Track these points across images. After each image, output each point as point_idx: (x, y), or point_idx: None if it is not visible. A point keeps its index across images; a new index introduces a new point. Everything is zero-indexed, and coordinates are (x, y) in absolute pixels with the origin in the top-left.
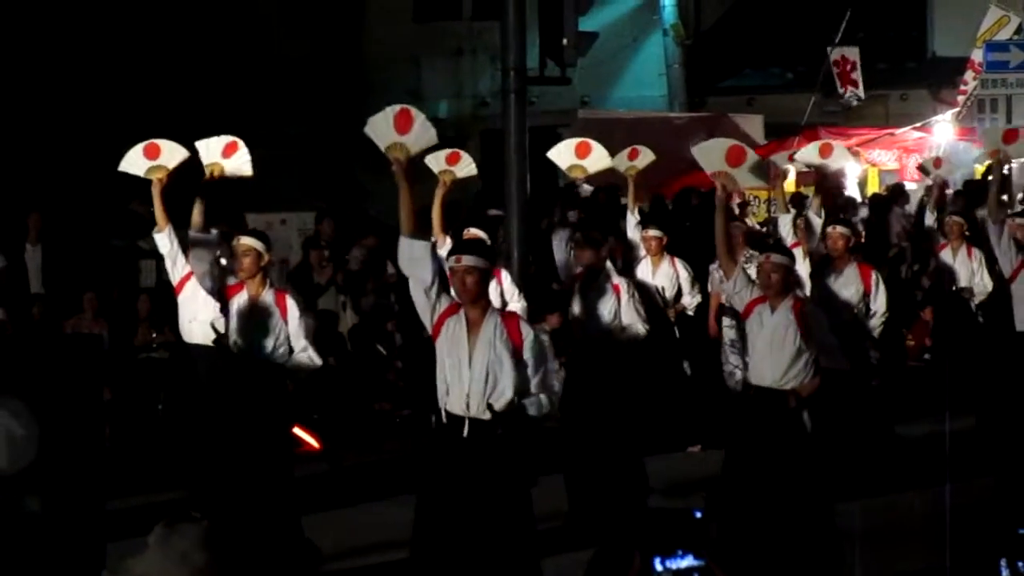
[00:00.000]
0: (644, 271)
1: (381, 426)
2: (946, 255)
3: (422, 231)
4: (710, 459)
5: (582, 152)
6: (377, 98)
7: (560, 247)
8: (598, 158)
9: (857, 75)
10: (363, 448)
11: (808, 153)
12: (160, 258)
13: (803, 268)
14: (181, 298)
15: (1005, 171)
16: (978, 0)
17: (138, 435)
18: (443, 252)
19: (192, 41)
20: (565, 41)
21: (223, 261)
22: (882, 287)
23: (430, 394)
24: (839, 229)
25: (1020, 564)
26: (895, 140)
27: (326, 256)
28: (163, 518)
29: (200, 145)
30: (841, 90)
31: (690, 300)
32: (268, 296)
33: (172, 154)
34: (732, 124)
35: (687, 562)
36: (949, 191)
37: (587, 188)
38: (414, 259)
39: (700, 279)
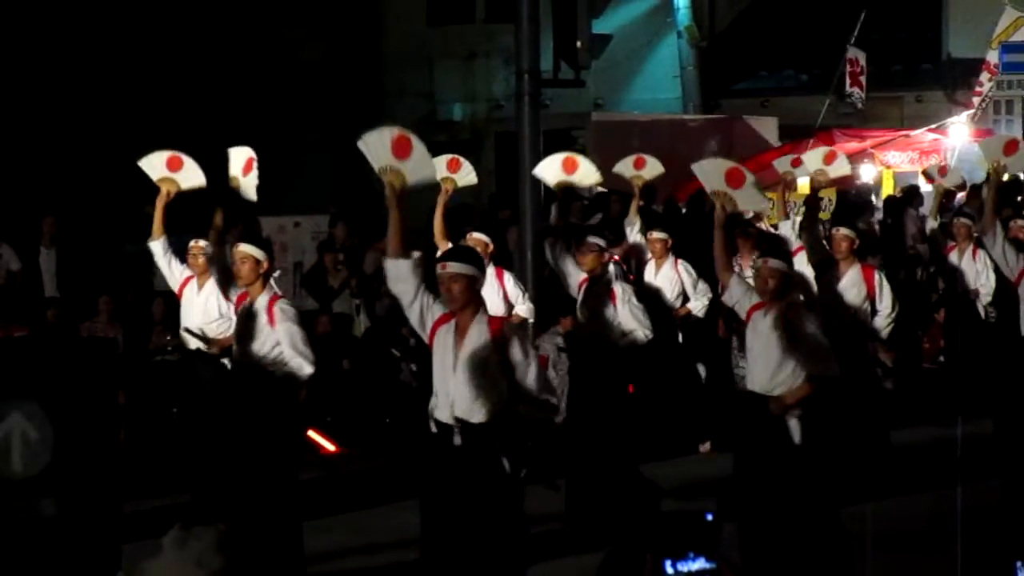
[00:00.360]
0: (649, 274)
1: (394, 429)
2: (954, 257)
3: (406, 250)
4: (721, 461)
5: (569, 167)
6: (392, 101)
7: (557, 253)
8: (586, 172)
9: (863, 77)
10: (377, 452)
11: (813, 159)
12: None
13: (807, 271)
14: (181, 304)
15: (1005, 178)
16: (993, 1)
17: (153, 438)
18: None
19: (207, 45)
20: (579, 44)
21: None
22: (886, 288)
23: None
24: (842, 231)
25: None
26: (910, 142)
27: (340, 259)
28: (178, 521)
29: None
30: (850, 90)
31: (695, 303)
32: (261, 303)
33: (189, 175)
34: (746, 126)
35: (698, 564)
36: (962, 195)
37: (596, 189)
38: (398, 278)
39: (711, 281)
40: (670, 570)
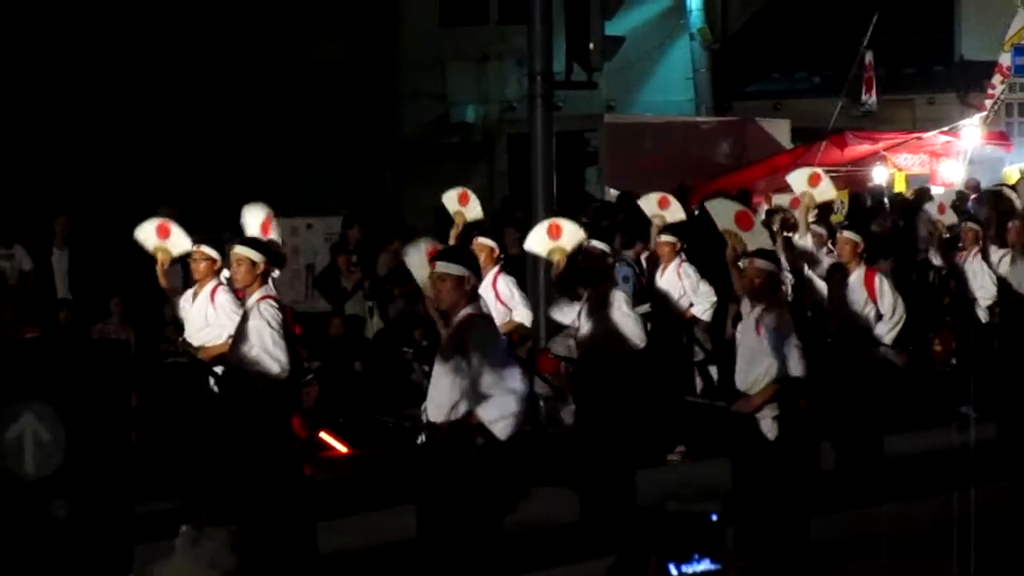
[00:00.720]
0: (658, 278)
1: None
2: (960, 260)
3: None
4: (728, 464)
5: (554, 233)
6: (405, 103)
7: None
8: (571, 233)
9: (875, 82)
10: (388, 453)
11: (798, 179)
12: (187, 263)
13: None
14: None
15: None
16: (1006, 3)
17: (165, 439)
18: None
19: (222, 46)
20: (592, 45)
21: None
22: (887, 291)
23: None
24: (845, 234)
25: None
26: (922, 144)
27: (354, 261)
28: (190, 521)
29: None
30: (866, 96)
31: (698, 306)
32: (251, 303)
33: (176, 242)
34: (759, 128)
35: (703, 566)
36: (976, 195)
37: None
38: None
39: (717, 283)
40: (674, 572)
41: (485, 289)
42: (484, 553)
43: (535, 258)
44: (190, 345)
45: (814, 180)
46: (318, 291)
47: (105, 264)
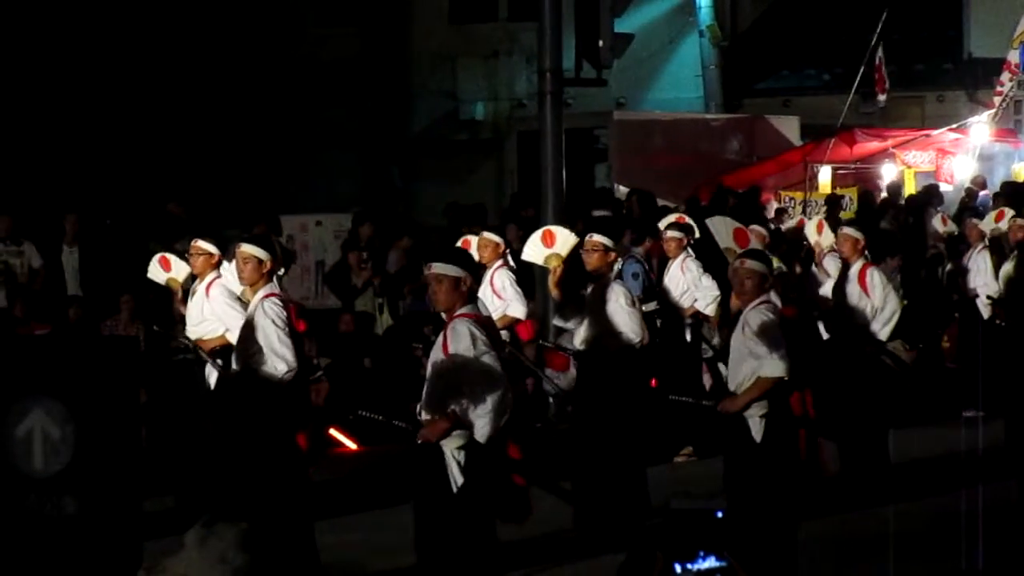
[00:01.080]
0: (665, 274)
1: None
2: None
3: None
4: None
5: (548, 241)
6: (415, 100)
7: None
8: (565, 239)
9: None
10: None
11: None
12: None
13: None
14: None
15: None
16: (1015, 0)
17: (174, 436)
18: None
19: (233, 43)
20: (601, 43)
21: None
22: (877, 283)
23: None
24: (845, 231)
25: None
26: (931, 141)
27: (364, 258)
28: (200, 518)
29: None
30: (881, 97)
31: (701, 301)
32: (254, 301)
33: (179, 269)
34: (768, 126)
35: (709, 563)
36: (986, 192)
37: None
38: None
39: (720, 278)
40: (678, 569)
41: (483, 283)
42: (475, 552)
43: None
44: (188, 339)
45: (819, 228)
46: (328, 288)
47: (115, 261)
